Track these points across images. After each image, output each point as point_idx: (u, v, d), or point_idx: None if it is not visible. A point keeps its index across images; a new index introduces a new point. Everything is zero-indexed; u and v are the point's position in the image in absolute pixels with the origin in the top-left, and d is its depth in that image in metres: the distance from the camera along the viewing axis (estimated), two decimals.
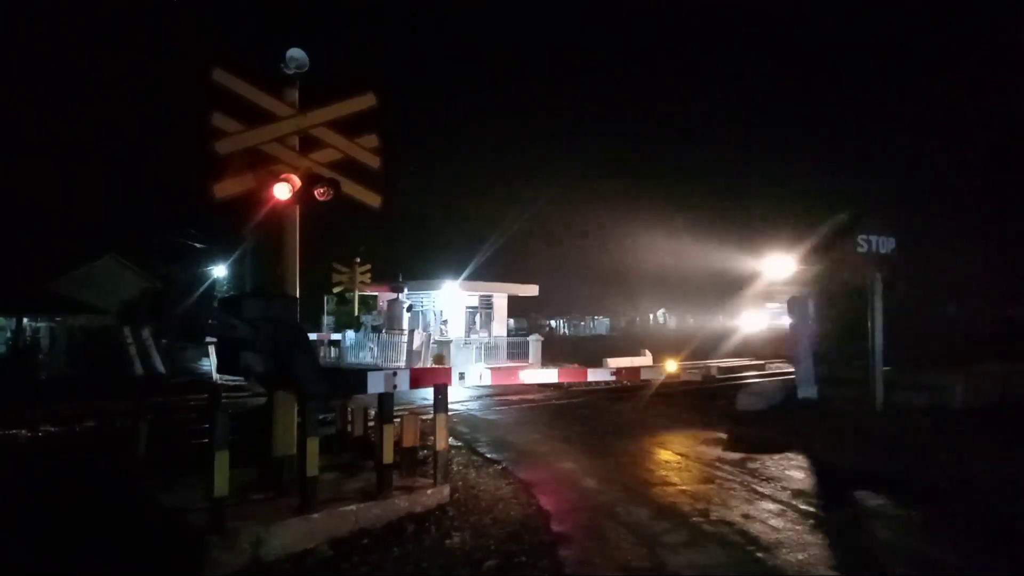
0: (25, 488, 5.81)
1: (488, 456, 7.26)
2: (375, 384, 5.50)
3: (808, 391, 10.48)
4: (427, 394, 6.58)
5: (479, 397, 11.77)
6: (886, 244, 10.19)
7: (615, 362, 13.97)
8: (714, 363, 18.03)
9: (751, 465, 6.86)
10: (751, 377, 15.75)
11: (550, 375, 7.92)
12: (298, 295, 5.51)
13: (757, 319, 35.49)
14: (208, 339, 5.13)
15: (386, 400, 5.33)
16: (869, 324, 10.15)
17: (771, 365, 18.12)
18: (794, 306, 11.16)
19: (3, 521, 4.97)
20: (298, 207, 5.47)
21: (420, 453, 6.14)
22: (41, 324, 21.80)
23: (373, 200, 5.85)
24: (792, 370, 11.53)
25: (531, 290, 21.34)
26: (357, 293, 22.82)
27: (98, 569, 4.36)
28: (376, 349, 18.13)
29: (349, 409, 6.83)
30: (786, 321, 12.19)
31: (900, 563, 4.43)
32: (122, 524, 4.98)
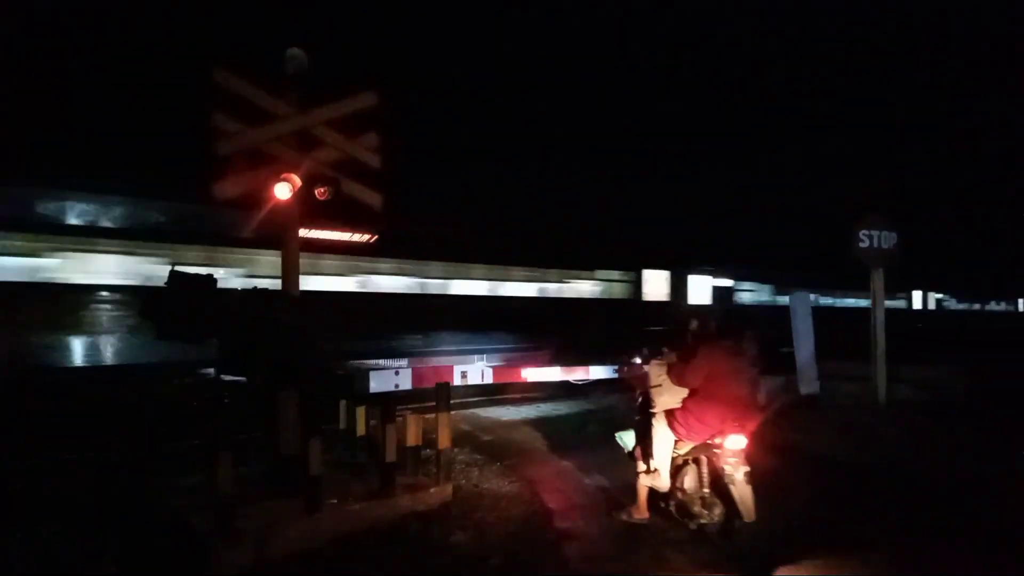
0: (26, 485, 5.81)
1: (491, 454, 7.26)
2: (377, 383, 5.52)
3: (811, 387, 10.48)
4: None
5: (480, 395, 11.73)
6: (888, 239, 10.19)
7: None
8: None
9: (766, 471, 6.84)
10: None
11: (554, 373, 7.94)
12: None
13: None
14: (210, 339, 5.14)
15: (388, 399, 5.34)
16: (872, 320, 10.16)
17: None
18: (796, 303, 11.15)
19: (3, 520, 4.97)
20: (298, 207, 5.47)
21: (423, 452, 6.14)
22: None
23: (374, 199, 5.85)
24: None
25: None
26: None
27: (101, 569, 4.36)
28: None
29: (352, 408, 6.82)
30: None
31: None
32: (125, 524, 4.99)
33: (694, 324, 5.04)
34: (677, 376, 4.75)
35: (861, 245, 10.18)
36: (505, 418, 9.64)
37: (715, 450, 4.47)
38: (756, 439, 4.52)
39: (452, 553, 4.54)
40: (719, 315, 5.10)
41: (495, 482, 6.17)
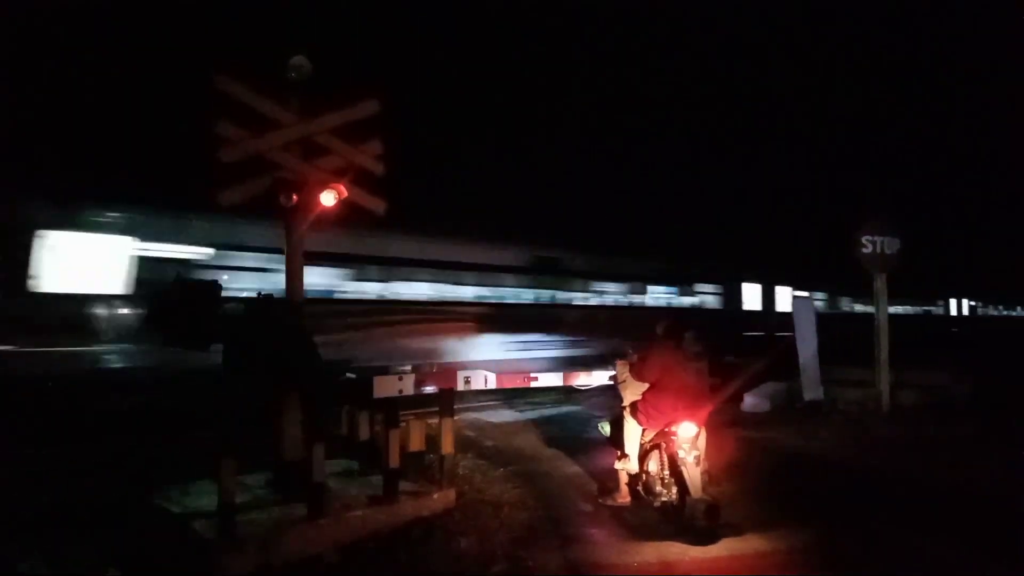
0: (26, 492, 5.81)
1: (494, 460, 7.25)
2: (380, 388, 5.52)
3: (814, 392, 10.47)
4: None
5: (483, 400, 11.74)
6: (891, 245, 10.19)
7: None
8: None
9: (756, 467, 6.87)
10: None
11: (556, 378, 7.95)
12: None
13: None
14: (214, 344, 5.16)
15: (391, 405, 5.34)
16: (875, 324, 10.15)
17: None
18: (798, 307, 11.15)
19: (4, 526, 4.98)
20: (301, 213, 5.48)
21: (426, 457, 6.14)
22: None
23: (377, 206, 5.86)
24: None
25: None
26: None
27: (103, 575, 4.36)
28: None
29: (355, 413, 6.83)
30: None
31: None
32: (128, 529, 4.99)
33: (658, 327, 5.66)
34: (636, 373, 5.51)
35: (864, 251, 10.19)
36: (508, 422, 9.64)
37: (672, 436, 5.10)
38: (718, 428, 5.55)
39: (456, 559, 4.53)
40: (666, 319, 5.74)
41: (498, 487, 6.17)
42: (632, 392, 5.65)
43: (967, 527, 5.09)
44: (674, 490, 5.11)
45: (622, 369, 5.81)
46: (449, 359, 10.85)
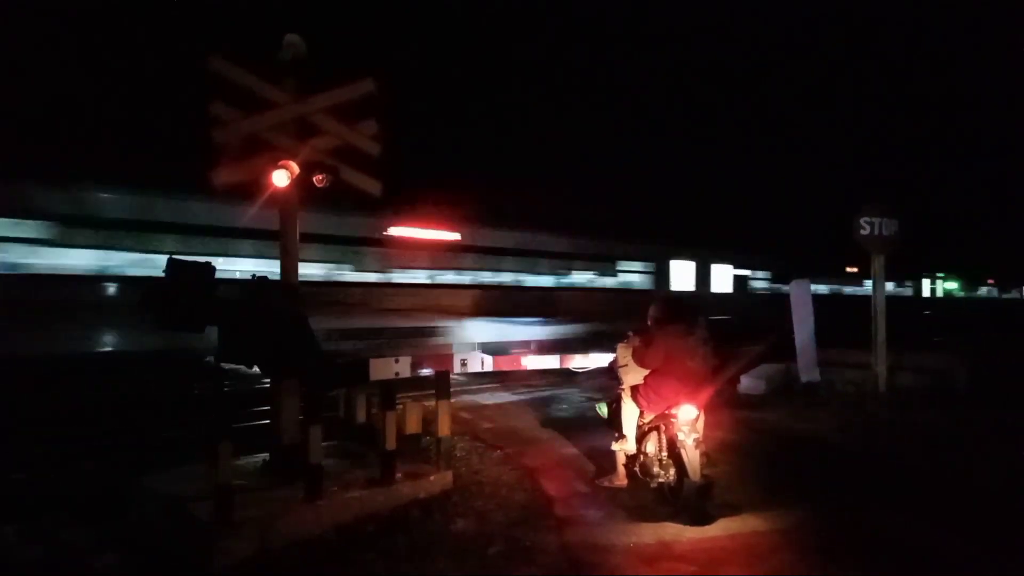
0: (26, 475, 5.81)
1: (491, 442, 7.27)
2: (376, 371, 5.50)
3: (811, 375, 10.48)
4: None
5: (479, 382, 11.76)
6: (889, 226, 10.16)
7: None
8: None
9: (753, 449, 6.89)
10: None
11: (552, 361, 7.95)
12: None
13: None
14: (211, 328, 5.13)
15: (388, 387, 5.33)
16: (872, 306, 10.14)
17: None
18: (796, 290, 11.14)
19: (4, 511, 4.98)
20: (297, 194, 5.43)
21: (423, 440, 6.15)
22: None
23: (373, 187, 5.80)
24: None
25: None
26: None
27: (101, 559, 4.37)
28: None
29: (352, 396, 6.81)
30: None
31: None
32: (126, 513, 5.00)
33: (652, 311, 5.54)
34: (639, 358, 5.42)
35: (862, 232, 10.17)
36: (505, 405, 9.66)
37: (671, 419, 5.09)
38: (714, 410, 5.59)
39: (453, 540, 4.55)
40: (669, 302, 5.65)
41: (495, 469, 6.19)
42: (633, 376, 5.60)
43: (961, 510, 5.12)
44: (672, 471, 5.13)
45: (623, 352, 5.73)
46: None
